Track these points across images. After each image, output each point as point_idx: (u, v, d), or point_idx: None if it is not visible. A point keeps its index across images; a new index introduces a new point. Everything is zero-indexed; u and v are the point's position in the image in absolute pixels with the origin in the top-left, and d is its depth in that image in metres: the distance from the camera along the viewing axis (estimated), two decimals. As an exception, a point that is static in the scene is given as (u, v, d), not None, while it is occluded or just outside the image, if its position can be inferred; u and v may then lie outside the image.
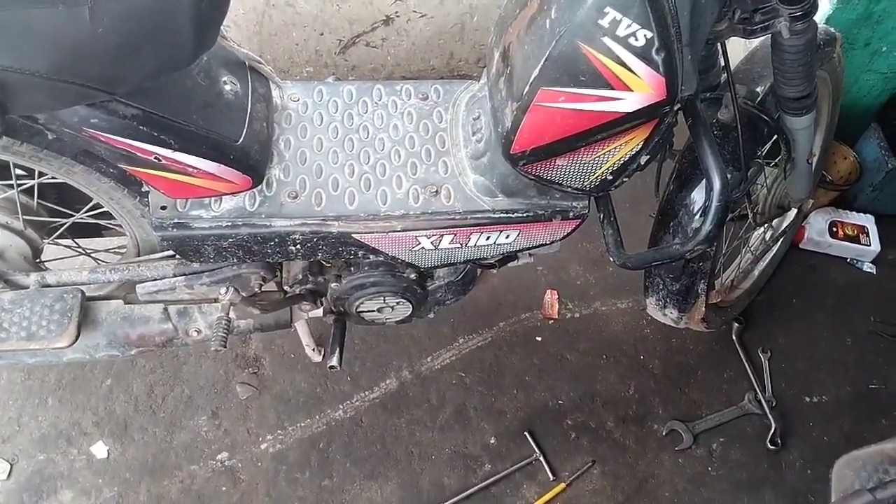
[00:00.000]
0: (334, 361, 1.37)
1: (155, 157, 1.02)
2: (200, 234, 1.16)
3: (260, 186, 1.17)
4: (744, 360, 1.89)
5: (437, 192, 1.20)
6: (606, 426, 1.79)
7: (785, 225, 1.86)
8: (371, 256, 1.24)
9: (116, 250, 1.62)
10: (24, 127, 1.07)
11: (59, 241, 1.49)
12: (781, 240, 1.91)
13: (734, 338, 1.92)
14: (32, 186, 1.32)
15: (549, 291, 1.98)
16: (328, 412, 1.77)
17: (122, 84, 0.89)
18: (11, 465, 1.66)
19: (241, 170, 1.12)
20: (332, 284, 1.34)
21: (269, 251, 1.21)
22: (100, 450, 1.69)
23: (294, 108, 1.29)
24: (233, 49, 1.19)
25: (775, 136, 1.37)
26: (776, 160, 1.52)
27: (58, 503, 1.62)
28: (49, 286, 1.36)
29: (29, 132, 1.09)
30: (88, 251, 1.60)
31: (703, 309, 1.53)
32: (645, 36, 0.91)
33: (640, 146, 1.07)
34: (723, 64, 1.24)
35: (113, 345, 1.39)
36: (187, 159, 1.05)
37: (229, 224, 1.15)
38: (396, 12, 2.24)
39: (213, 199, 1.16)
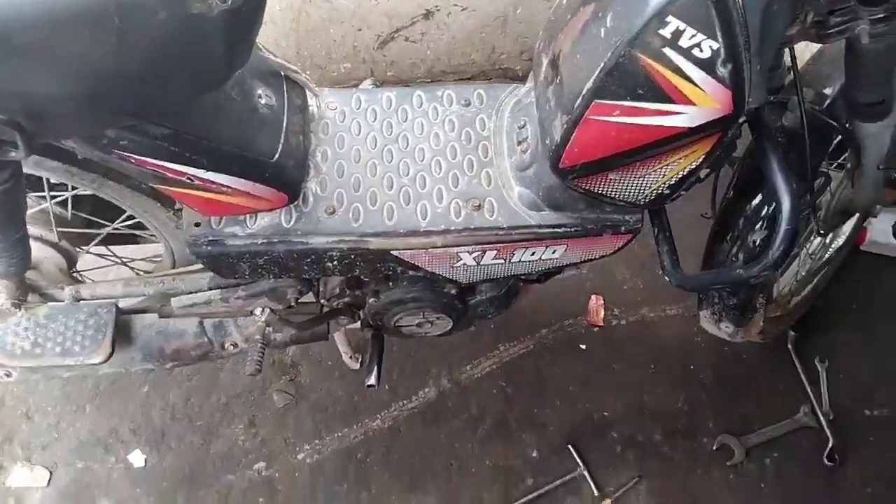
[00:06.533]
0: (372, 380, 1.32)
1: (187, 178, 0.98)
2: (235, 252, 1.11)
3: (296, 202, 1.13)
4: (799, 370, 1.80)
5: (479, 205, 1.14)
6: (654, 440, 1.72)
7: (850, 229, 1.75)
8: (410, 272, 1.19)
9: (152, 259, 1.59)
10: (51, 147, 1.03)
11: (94, 250, 1.48)
12: (842, 243, 1.80)
13: (790, 346, 1.82)
14: (66, 198, 1.30)
15: (593, 297, 1.90)
16: (366, 422, 1.73)
17: (151, 108, 0.85)
18: (51, 473, 1.66)
19: (277, 187, 1.07)
20: (370, 300, 1.30)
21: (306, 268, 1.16)
22: (137, 458, 1.68)
23: (331, 118, 1.24)
24: (267, 59, 1.13)
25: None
26: (839, 160, 1.43)
27: (97, 512, 1.62)
28: (83, 300, 1.34)
29: (57, 151, 1.05)
30: (124, 260, 1.58)
31: (762, 323, 1.44)
32: (711, 47, 0.83)
33: (700, 160, 0.99)
34: (789, 65, 1.15)
35: (148, 359, 1.37)
36: (221, 178, 1.00)
37: (265, 241, 1.11)
38: (437, 6, 2.17)
39: (248, 215, 1.12)
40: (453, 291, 1.29)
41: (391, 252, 1.13)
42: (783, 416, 1.74)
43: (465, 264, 1.17)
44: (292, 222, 1.12)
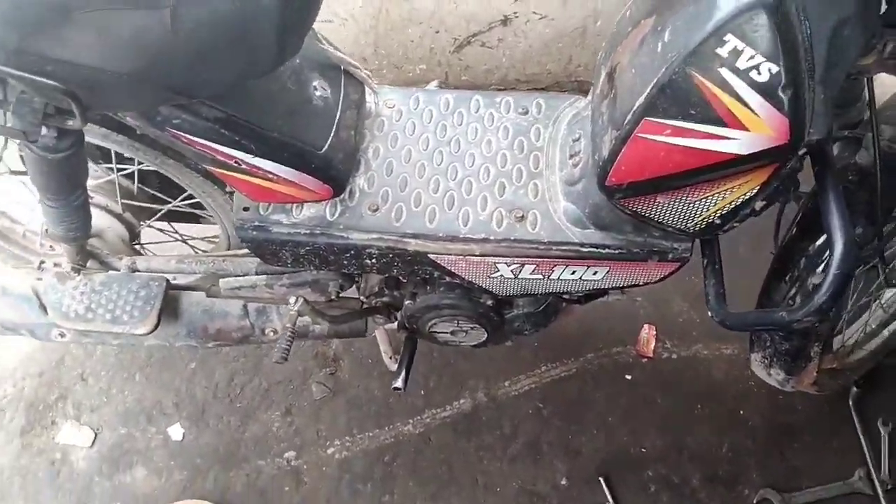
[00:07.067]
0: (399, 383, 1.32)
1: (235, 161, 1.01)
2: (279, 239, 1.14)
3: (342, 195, 1.14)
4: (859, 430, 1.68)
5: (522, 217, 1.12)
6: (691, 484, 1.64)
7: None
8: (447, 278, 1.18)
9: (210, 238, 1.65)
10: (117, 121, 1.08)
11: (157, 225, 1.54)
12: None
13: (850, 403, 1.71)
14: (134, 172, 1.36)
15: (646, 326, 1.85)
16: (398, 425, 1.73)
17: (200, 89, 0.87)
18: (96, 434, 1.73)
19: (323, 179, 1.08)
20: (407, 301, 1.29)
21: (345, 262, 1.17)
22: (176, 432, 1.73)
23: (388, 115, 1.25)
24: (328, 52, 1.15)
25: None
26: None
27: (132, 478, 1.67)
28: (138, 271, 1.39)
29: (122, 126, 1.10)
30: (184, 237, 1.64)
31: (815, 374, 1.36)
32: (770, 70, 0.79)
33: (755, 191, 0.94)
34: (867, 99, 1.09)
35: (191, 335, 1.41)
36: (267, 165, 1.02)
37: (307, 232, 1.12)
38: (515, 13, 2.16)
39: (294, 205, 1.14)
40: (489, 303, 1.27)
41: (428, 255, 1.13)
42: (835, 478, 1.63)
43: (502, 276, 1.15)
44: (336, 216, 1.13)
